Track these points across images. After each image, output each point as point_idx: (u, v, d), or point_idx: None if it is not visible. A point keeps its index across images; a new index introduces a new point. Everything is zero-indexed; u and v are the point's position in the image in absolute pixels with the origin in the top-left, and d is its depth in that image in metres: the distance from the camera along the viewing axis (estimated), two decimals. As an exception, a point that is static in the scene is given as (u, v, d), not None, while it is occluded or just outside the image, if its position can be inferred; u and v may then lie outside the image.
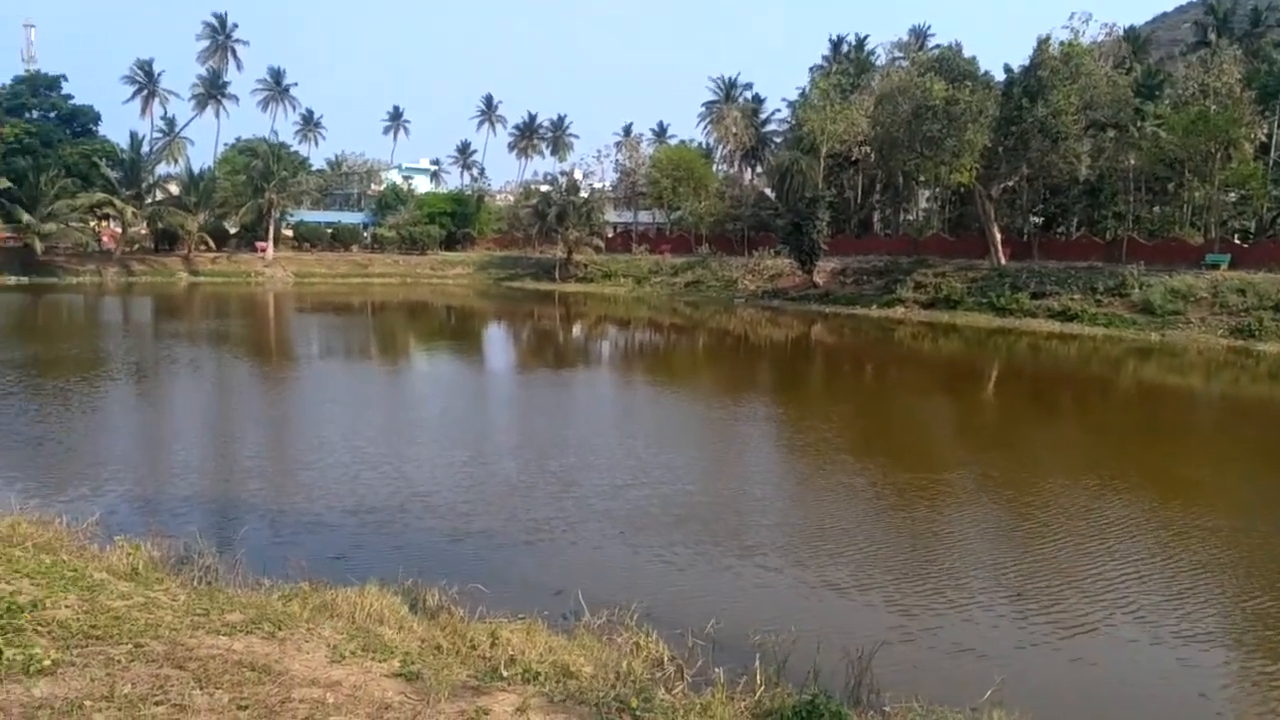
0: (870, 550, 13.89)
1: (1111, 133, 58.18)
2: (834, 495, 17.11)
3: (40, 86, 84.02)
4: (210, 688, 5.14)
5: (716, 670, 8.16)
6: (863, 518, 15.70)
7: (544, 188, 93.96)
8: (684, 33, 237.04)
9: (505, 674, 7.11)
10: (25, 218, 71.98)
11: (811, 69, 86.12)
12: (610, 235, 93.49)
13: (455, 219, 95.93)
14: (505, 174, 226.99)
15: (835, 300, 64.24)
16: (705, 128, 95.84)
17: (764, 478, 18.92)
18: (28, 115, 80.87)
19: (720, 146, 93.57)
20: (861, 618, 11.28)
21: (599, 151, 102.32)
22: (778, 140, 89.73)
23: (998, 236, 62.08)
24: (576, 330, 55.06)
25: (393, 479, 17.07)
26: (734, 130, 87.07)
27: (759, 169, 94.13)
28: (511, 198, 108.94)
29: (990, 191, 61.06)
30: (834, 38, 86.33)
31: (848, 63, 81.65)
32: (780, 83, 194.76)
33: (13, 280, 71.20)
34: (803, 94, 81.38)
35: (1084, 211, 65.54)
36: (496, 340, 50.00)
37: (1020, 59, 58.71)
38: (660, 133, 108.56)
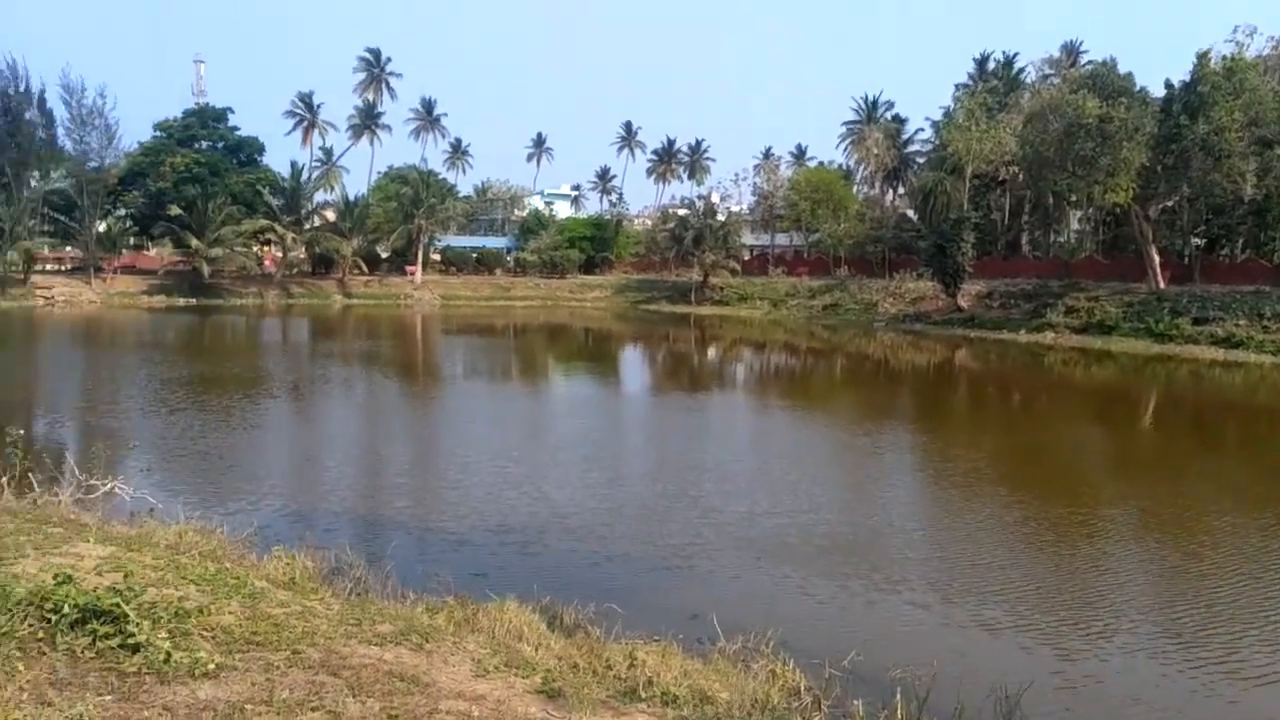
0: (1025, 588, 13.23)
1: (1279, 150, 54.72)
2: (986, 529, 16.42)
3: (209, 119, 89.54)
4: (362, 696, 5.25)
5: (855, 702, 7.87)
6: (1017, 554, 15.00)
7: (681, 211, 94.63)
8: (823, 54, 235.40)
9: (644, 695, 7.04)
10: (194, 243, 76.90)
11: (956, 87, 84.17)
12: (747, 258, 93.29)
13: (594, 243, 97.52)
14: (643, 198, 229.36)
15: (981, 324, 62.23)
16: (845, 149, 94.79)
17: (909, 509, 18.33)
18: (197, 146, 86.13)
19: (861, 167, 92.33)
20: (1014, 659, 10.74)
21: (736, 175, 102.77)
22: (920, 160, 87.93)
23: (1156, 259, 59.03)
24: (712, 353, 54.98)
25: (533, 499, 17.30)
26: (875, 151, 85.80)
27: (900, 190, 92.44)
28: (649, 222, 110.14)
29: (1148, 212, 58.17)
30: (979, 55, 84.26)
31: (995, 80, 79.42)
32: (923, 102, 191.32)
33: (182, 301, 76.24)
34: (947, 113, 79.55)
35: (1249, 233, 61.70)
36: (633, 362, 50.39)
37: (1180, 75, 55.93)
38: (799, 155, 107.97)
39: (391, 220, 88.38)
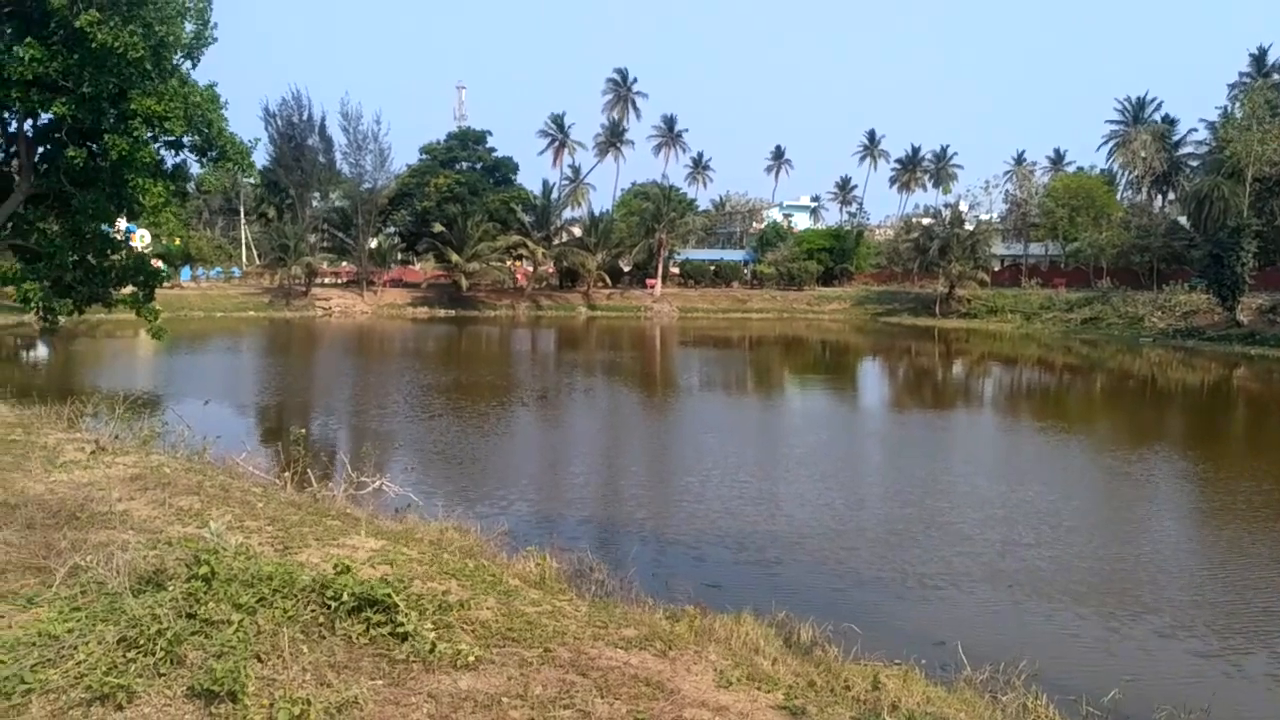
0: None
1: None
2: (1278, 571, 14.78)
3: (470, 141, 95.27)
4: (610, 697, 5.37)
5: (1115, 742, 7.28)
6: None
7: (925, 220, 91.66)
8: (1081, 53, 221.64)
9: (887, 719, 6.80)
10: (454, 258, 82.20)
11: (1230, 86, 76.94)
12: (997, 269, 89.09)
13: (833, 254, 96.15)
14: (885, 208, 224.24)
15: (1262, 341, 56.40)
16: (1109, 153, 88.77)
17: (1185, 545, 16.76)
18: (458, 167, 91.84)
19: (1125, 172, 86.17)
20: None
21: (987, 182, 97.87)
22: (1193, 164, 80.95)
23: None
24: (958, 368, 52.79)
25: (769, 514, 17.21)
26: (1142, 154, 79.79)
27: (1170, 196, 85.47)
28: (891, 232, 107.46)
29: None
30: (1255, 50, 76.59)
31: (1277, 75, 72.00)
32: (1197, 102, 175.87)
33: (442, 313, 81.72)
34: (1225, 113, 72.82)
35: None
36: (872, 376, 49.18)
37: None
38: (1057, 160, 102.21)
39: (634, 235, 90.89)
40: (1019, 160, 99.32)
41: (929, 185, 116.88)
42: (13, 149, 22.54)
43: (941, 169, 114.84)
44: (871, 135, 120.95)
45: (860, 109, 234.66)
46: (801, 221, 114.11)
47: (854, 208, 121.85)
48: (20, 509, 8.30)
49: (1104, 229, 77.94)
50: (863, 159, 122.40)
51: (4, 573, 6.58)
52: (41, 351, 47.46)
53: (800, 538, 15.63)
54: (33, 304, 23.01)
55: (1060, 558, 14.90)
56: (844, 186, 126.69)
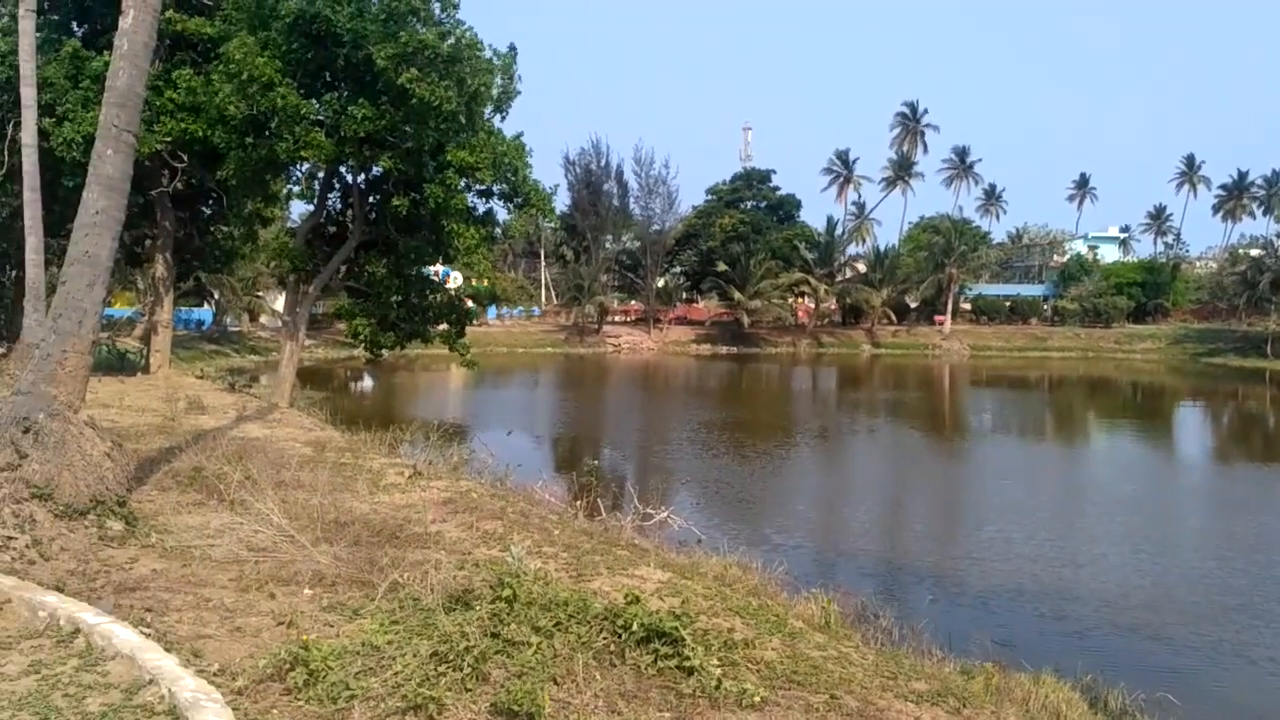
0: None
1: None
2: None
3: (754, 180, 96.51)
4: (900, 755, 5.17)
5: None
6: None
7: (1255, 252, 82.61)
8: None
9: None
10: (737, 296, 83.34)
11: None
12: (1344, 305, 78.71)
13: (1145, 289, 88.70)
14: (1205, 239, 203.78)
15: None
16: None
17: None
18: (743, 206, 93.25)
19: None
20: None
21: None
22: None
23: None
24: (1296, 416, 46.92)
25: (1070, 570, 15.98)
26: None
27: None
28: (1213, 265, 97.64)
29: None
30: None
31: None
32: None
33: (724, 350, 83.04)
34: None
35: None
36: (1191, 423, 44.65)
37: None
38: None
39: (921, 269, 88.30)
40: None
41: (1258, 213, 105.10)
42: (348, 200, 25.28)
43: (1274, 195, 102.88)
44: (1190, 160, 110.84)
45: (1174, 133, 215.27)
46: (1109, 254, 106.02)
47: (1169, 239, 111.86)
48: (349, 527, 9.20)
49: None
50: (1180, 186, 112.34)
51: (335, 585, 7.32)
52: (367, 383, 52.69)
53: (1106, 596, 14.41)
54: (361, 338, 25.56)
55: None
56: (1158, 216, 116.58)
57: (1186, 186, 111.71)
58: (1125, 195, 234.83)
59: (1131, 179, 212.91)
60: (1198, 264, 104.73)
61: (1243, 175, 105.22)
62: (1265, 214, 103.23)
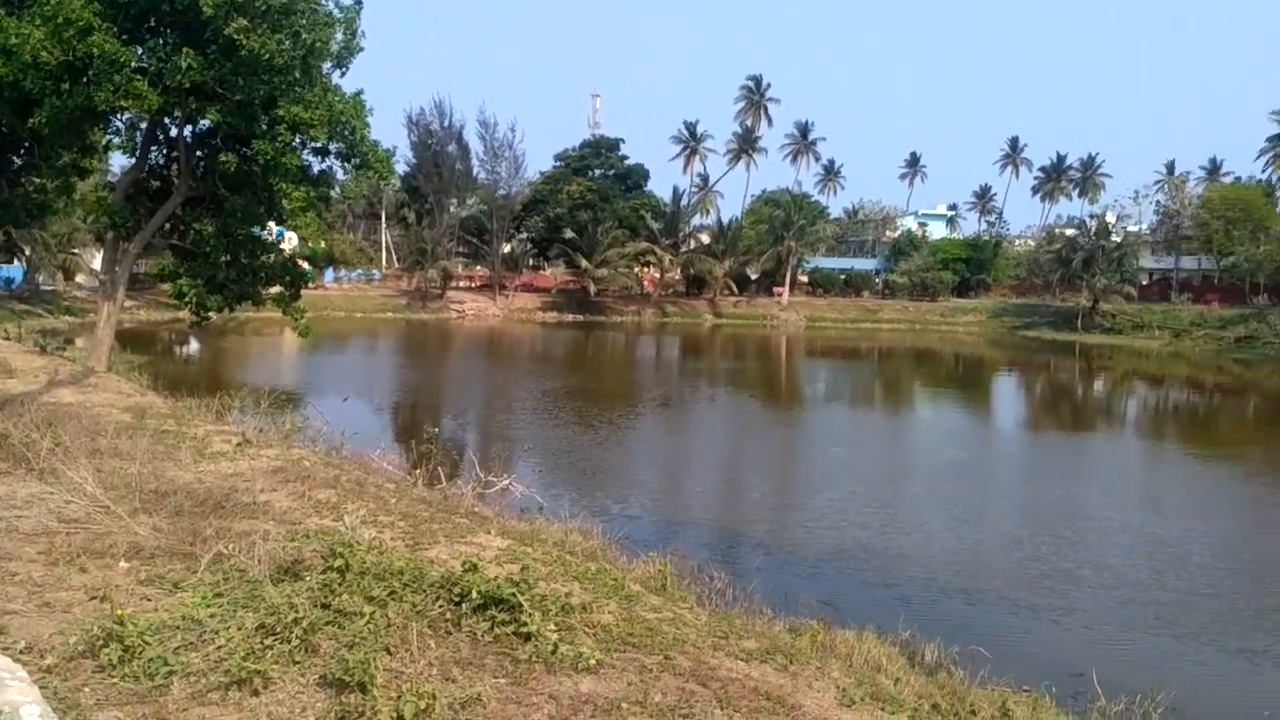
0: None
1: None
2: None
3: (602, 149, 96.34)
4: (729, 709, 5.31)
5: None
6: None
7: (1069, 231, 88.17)
8: (1239, 59, 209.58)
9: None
10: (584, 264, 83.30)
11: None
12: (1144, 283, 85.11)
13: (969, 265, 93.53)
14: (1026, 219, 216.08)
15: None
16: (1268, 163, 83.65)
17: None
18: (590, 174, 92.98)
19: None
20: None
21: (1136, 192, 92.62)
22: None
23: None
24: (1099, 386, 50.61)
25: (892, 533, 16.81)
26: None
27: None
28: (1031, 243, 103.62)
29: None
30: None
31: None
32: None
33: (570, 318, 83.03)
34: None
35: None
36: (1006, 393, 47.55)
37: None
38: (1212, 169, 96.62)
39: (762, 242, 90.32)
40: (1170, 169, 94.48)
41: (1074, 195, 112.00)
42: (173, 154, 23.81)
43: (1088, 178, 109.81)
44: (1014, 142, 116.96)
45: (1001, 116, 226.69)
46: (937, 231, 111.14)
47: (993, 217, 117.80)
48: (170, 497, 8.77)
49: (1262, 243, 73.54)
50: (1004, 167, 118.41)
51: (153, 557, 6.96)
52: (193, 347, 50.18)
53: (926, 559, 15.22)
54: (186, 300, 24.23)
55: (1203, 590, 14.11)
56: (983, 195, 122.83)
57: (1010, 168, 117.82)
58: (953, 175, 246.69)
59: (960, 159, 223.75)
60: (1017, 242, 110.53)
61: (1061, 158, 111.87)
62: (1080, 195, 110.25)
